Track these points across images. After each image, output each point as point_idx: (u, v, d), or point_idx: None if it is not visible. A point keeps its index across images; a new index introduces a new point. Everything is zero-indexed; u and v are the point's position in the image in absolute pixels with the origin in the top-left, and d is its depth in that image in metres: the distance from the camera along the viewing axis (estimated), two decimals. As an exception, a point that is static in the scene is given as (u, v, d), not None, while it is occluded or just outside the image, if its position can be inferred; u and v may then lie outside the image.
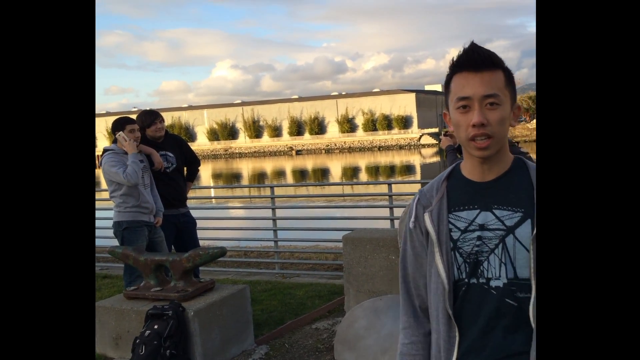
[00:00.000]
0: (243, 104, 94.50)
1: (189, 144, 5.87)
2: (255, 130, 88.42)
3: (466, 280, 1.45)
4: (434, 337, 1.53)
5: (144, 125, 5.17)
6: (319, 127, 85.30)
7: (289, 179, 41.62)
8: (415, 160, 53.48)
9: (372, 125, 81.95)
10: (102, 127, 76.95)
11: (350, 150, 76.97)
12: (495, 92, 1.40)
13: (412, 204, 1.57)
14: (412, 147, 72.68)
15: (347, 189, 17.29)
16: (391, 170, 43.51)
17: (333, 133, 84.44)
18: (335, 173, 44.11)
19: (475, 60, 1.40)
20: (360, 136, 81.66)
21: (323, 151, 78.53)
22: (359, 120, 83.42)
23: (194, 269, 4.48)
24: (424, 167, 43.91)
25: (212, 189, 23.10)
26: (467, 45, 1.43)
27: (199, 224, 5.80)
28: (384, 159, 56.49)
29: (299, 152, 79.35)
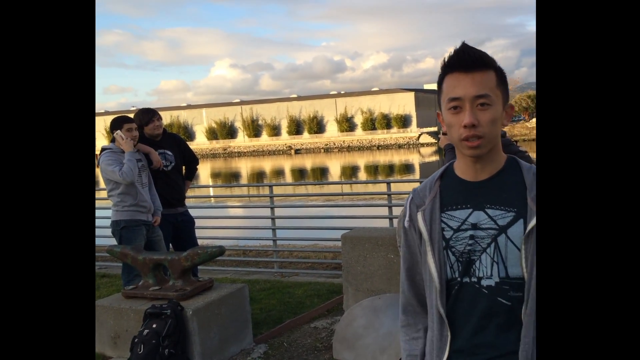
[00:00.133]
0: (242, 103, 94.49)
1: (188, 143, 5.86)
2: (254, 129, 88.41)
3: (459, 279, 1.46)
4: (429, 335, 1.55)
5: (142, 124, 5.16)
6: (317, 126, 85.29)
7: (288, 178, 41.63)
8: (414, 159, 53.53)
9: (371, 124, 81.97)
10: (100, 126, 76.70)
11: (349, 149, 76.98)
12: (486, 93, 1.40)
13: (406, 203, 1.58)
14: (411, 146, 72.72)
15: (346, 188, 17.25)
16: (390, 169, 43.54)
17: (332, 132, 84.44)
18: (334, 172, 44.11)
19: (466, 60, 1.41)
20: (359, 135, 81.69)
21: (322, 150, 78.53)
22: (358, 119, 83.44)
23: (193, 268, 4.48)
24: (423, 166, 43.93)
25: (210, 188, 23.07)
26: (458, 46, 1.43)
27: (198, 223, 5.81)
28: (382, 158, 56.51)
29: (297, 151, 79.34)
